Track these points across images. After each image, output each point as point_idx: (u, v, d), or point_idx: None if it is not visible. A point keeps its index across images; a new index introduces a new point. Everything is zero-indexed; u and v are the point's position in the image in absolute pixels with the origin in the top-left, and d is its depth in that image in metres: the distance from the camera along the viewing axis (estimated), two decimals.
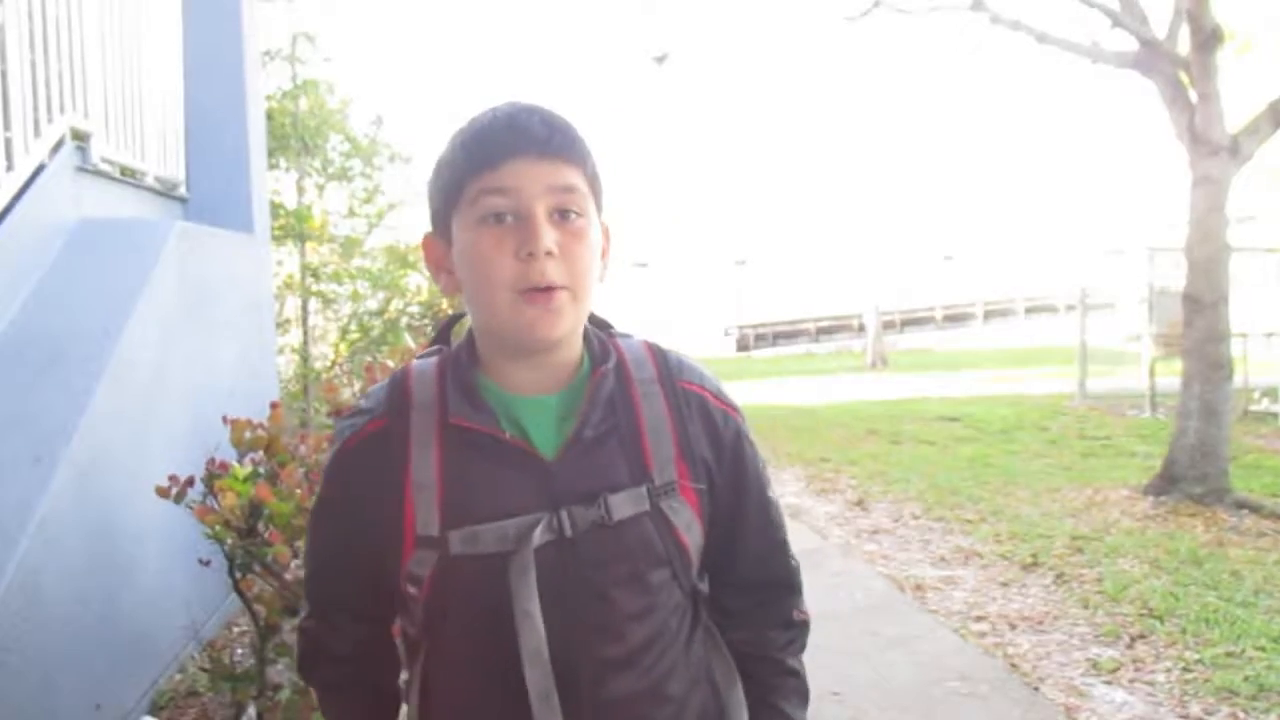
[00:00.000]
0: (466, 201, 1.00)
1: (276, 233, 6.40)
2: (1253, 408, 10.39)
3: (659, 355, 1.13)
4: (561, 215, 1.00)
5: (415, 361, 1.13)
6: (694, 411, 1.10)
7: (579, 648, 1.01)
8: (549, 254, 0.97)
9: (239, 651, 3.51)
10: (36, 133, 3.14)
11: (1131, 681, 3.64)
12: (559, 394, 1.07)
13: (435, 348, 1.15)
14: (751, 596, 1.19)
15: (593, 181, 1.04)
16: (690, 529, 1.08)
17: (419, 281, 8.62)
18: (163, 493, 2.43)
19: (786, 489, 7.22)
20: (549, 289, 0.98)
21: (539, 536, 0.99)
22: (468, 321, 1.13)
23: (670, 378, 1.11)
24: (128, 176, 3.93)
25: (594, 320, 1.12)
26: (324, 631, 1.16)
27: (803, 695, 1.21)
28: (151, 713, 2.95)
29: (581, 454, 1.03)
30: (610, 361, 1.08)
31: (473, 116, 1.04)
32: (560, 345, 1.05)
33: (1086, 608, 4.43)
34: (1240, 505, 6.05)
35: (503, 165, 0.98)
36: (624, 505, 1.03)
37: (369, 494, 1.05)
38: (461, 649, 1.05)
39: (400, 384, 1.09)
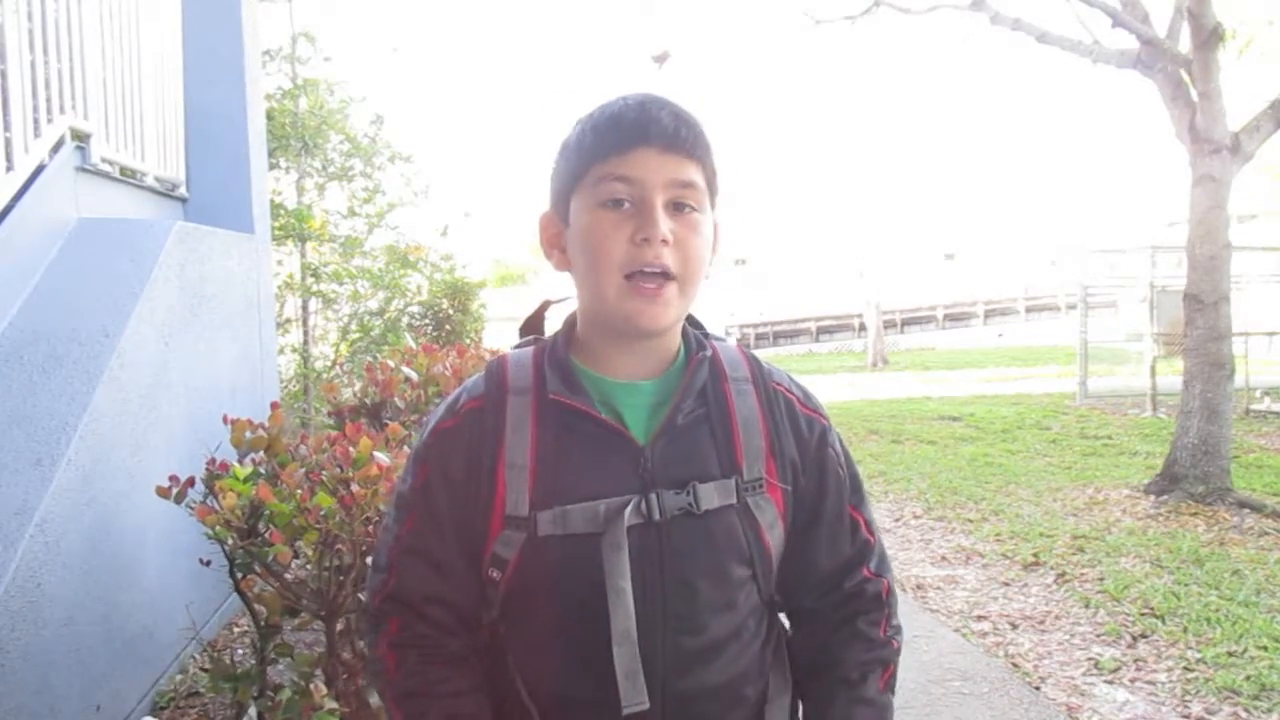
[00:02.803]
0: (588, 184, 1.02)
1: (277, 232, 6.40)
2: (1254, 406, 10.38)
3: (751, 358, 1.16)
4: (677, 207, 1.02)
5: (511, 350, 1.15)
6: (784, 413, 1.12)
7: (659, 636, 1.02)
8: (664, 241, 1.00)
9: (240, 652, 3.51)
10: (36, 133, 3.13)
11: (1133, 681, 3.63)
12: (654, 380, 1.09)
13: (530, 338, 1.17)
14: (826, 601, 1.16)
15: (711, 178, 1.06)
16: (773, 530, 1.09)
17: (419, 281, 8.63)
18: (163, 493, 2.43)
19: None
20: (660, 279, 1.00)
21: (626, 518, 1.00)
22: (556, 310, 1.18)
23: (763, 379, 1.13)
24: (127, 176, 3.92)
25: (688, 320, 1.14)
26: (419, 637, 1.08)
27: None
28: (152, 713, 2.95)
29: (673, 440, 1.05)
30: (706, 352, 1.11)
31: (603, 103, 1.06)
32: (662, 335, 1.07)
33: (1088, 607, 4.43)
34: (1242, 504, 6.05)
35: (629, 153, 1.01)
36: (712, 495, 1.04)
37: (464, 471, 1.05)
38: (542, 633, 1.05)
39: (497, 369, 1.11)
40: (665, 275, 1.01)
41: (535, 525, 1.01)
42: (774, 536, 1.09)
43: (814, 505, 1.13)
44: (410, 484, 1.10)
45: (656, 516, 1.02)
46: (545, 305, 1.24)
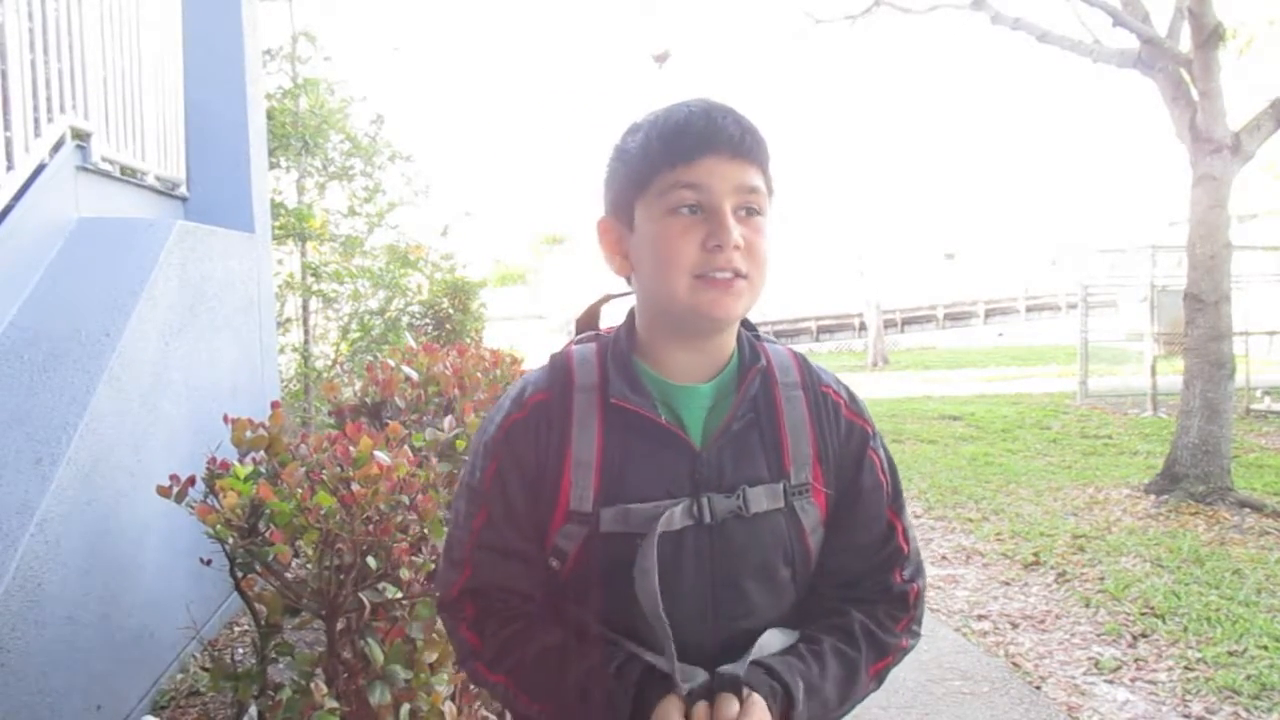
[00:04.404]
0: (656, 192, 1.04)
1: (277, 232, 6.39)
2: (1255, 406, 10.38)
3: (802, 362, 1.18)
4: (746, 211, 1.05)
5: (574, 346, 1.17)
6: (830, 416, 1.14)
7: (709, 636, 1.05)
8: (736, 247, 1.02)
9: (240, 651, 3.51)
10: (37, 132, 3.13)
11: (1133, 680, 3.63)
12: (710, 383, 1.11)
13: (590, 333, 1.20)
14: (850, 594, 1.16)
15: (769, 181, 1.09)
16: (815, 533, 1.12)
17: (420, 281, 8.62)
18: (164, 492, 2.42)
19: None
20: (731, 276, 1.03)
21: (679, 519, 1.04)
22: (607, 306, 1.22)
23: (813, 384, 1.15)
24: (128, 176, 3.92)
25: (742, 322, 1.16)
26: (494, 612, 1.10)
27: (849, 659, 1.09)
28: (153, 712, 2.95)
29: (727, 445, 1.08)
30: (761, 361, 1.13)
31: (664, 108, 1.07)
32: (726, 329, 1.10)
33: (1088, 606, 4.43)
34: (1242, 504, 6.05)
35: (697, 162, 1.02)
36: (761, 499, 1.07)
37: (534, 463, 1.08)
38: (595, 621, 1.08)
39: (562, 365, 1.13)
40: (735, 275, 1.03)
41: (598, 521, 1.04)
42: (815, 539, 1.12)
43: (850, 507, 1.15)
44: (480, 476, 1.11)
45: (708, 519, 1.05)
46: (604, 299, 1.27)
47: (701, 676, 1.02)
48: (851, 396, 1.18)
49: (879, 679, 1.13)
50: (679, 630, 1.02)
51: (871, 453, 1.16)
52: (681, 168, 1.02)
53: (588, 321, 1.24)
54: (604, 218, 1.13)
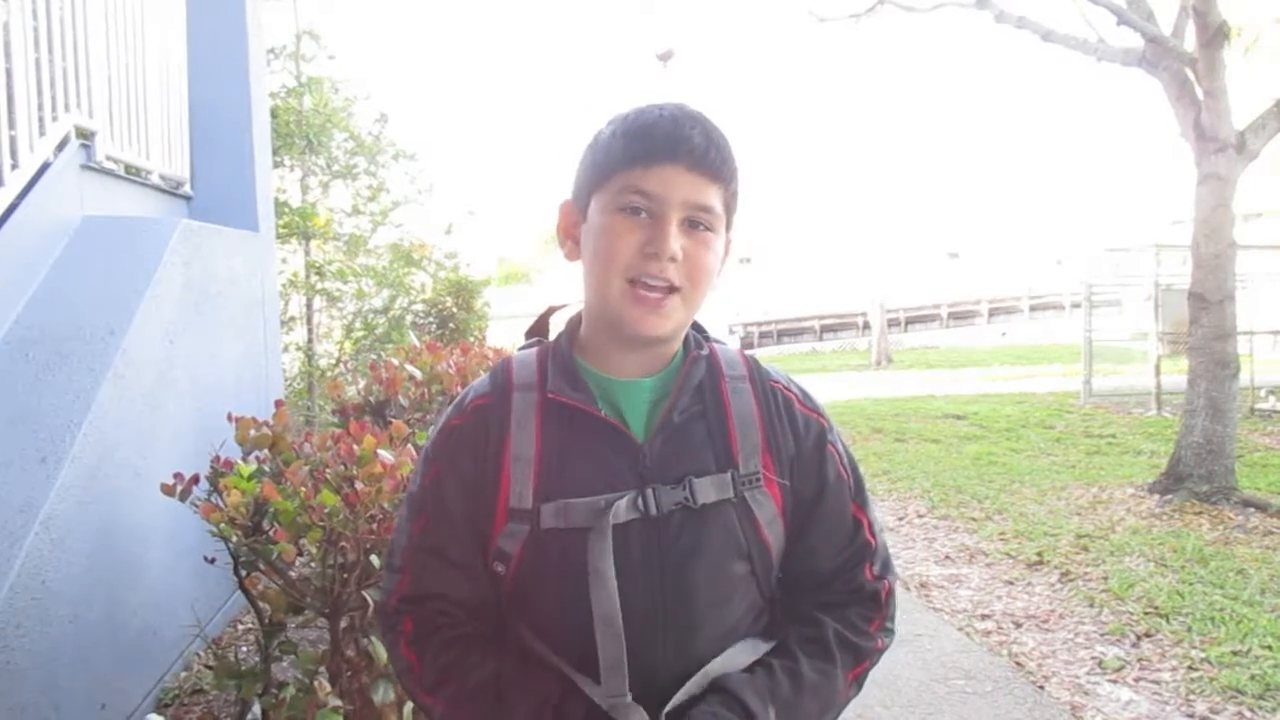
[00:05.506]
0: (611, 189, 1.04)
1: (281, 230, 6.41)
2: (1259, 405, 10.36)
3: (750, 359, 1.18)
4: (692, 224, 1.05)
5: (517, 351, 1.18)
6: (781, 409, 1.14)
7: (658, 631, 1.03)
8: (672, 259, 1.02)
9: (244, 649, 3.52)
10: (41, 131, 3.14)
11: (1137, 680, 3.63)
12: (654, 378, 1.11)
13: (534, 340, 1.20)
14: (823, 597, 1.16)
15: (730, 201, 1.08)
16: (773, 526, 1.10)
17: (423, 279, 8.63)
18: (168, 490, 2.43)
19: None
20: (664, 291, 1.03)
21: (624, 513, 1.02)
22: (562, 314, 1.22)
23: (761, 378, 1.15)
24: (132, 174, 3.93)
25: (692, 325, 1.16)
26: (434, 629, 1.10)
27: (825, 678, 1.09)
28: (157, 710, 2.96)
29: (670, 437, 1.07)
30: (703, 350, 1.13)
31: (640, 107, 1.07)
32: (663, 342, 1.09)
33: (1092, 606, 4.42)
34: (1246, 503, 6.04)
35: (654, 168, 1.02)
36: (708, 490, 1.05)
37: (473, 468, 1.07)
38: (546, 626, 1.07)
39: (503, 369, 1.14)
40: (669, 289, 1.03)
41: (538, 518, 1.03)
42: (774, 533, 1.10)
43: (814, 504, 1.14)
44: (420, 483, 1.12)
45: (653, 511, 1.03)
46: (550, 310, 1.27)
47: (623, 699, 1.00)
48: (805, 393, 1.18)
49: (858, 683, 1.14)
50: (628, 635, 1.00)
51: (831, 447, 1.15)
52: (639, 170, 1.02)
53: (537, 330, 1.24)
54: (567, 200, 1.13)
